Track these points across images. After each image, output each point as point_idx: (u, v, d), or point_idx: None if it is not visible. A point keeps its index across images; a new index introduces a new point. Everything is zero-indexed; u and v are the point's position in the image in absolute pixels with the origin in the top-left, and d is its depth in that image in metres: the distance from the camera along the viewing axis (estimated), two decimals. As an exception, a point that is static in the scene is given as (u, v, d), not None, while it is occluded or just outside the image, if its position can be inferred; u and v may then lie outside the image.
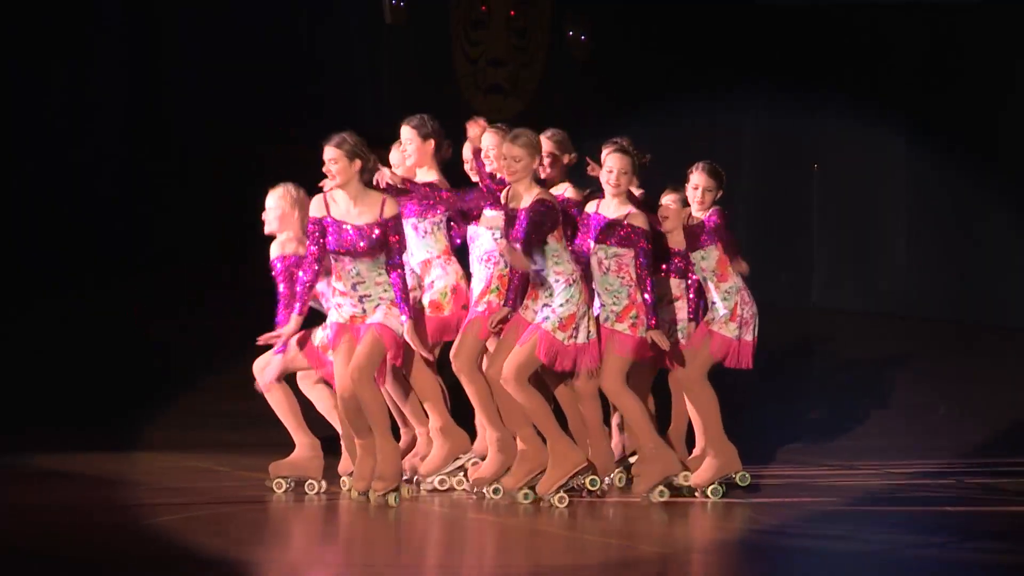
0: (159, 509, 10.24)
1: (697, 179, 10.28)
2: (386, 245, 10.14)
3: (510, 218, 10.04)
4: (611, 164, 9.95)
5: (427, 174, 10.57)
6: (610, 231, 9.98)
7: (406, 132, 10.64)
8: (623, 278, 9.99)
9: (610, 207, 10.01)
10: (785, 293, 18.38)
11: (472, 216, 10.94)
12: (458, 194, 10.84)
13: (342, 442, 10.84)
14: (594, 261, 10.02)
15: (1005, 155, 18.36)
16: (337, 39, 19.68)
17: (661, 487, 10.09)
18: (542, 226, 9.89)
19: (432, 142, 10.58)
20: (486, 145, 10.86)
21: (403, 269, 10.27)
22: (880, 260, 20.32)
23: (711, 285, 10.50)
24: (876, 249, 20.18)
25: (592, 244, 10.09)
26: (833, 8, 19.22)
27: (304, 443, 10.92)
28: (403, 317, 10.33)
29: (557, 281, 10.05)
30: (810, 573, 9.38)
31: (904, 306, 19.61)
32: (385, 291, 10.26)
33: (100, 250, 18.04)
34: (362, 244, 10.11)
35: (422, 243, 10.76)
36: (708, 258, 10.42)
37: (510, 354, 10.14)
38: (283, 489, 10.74)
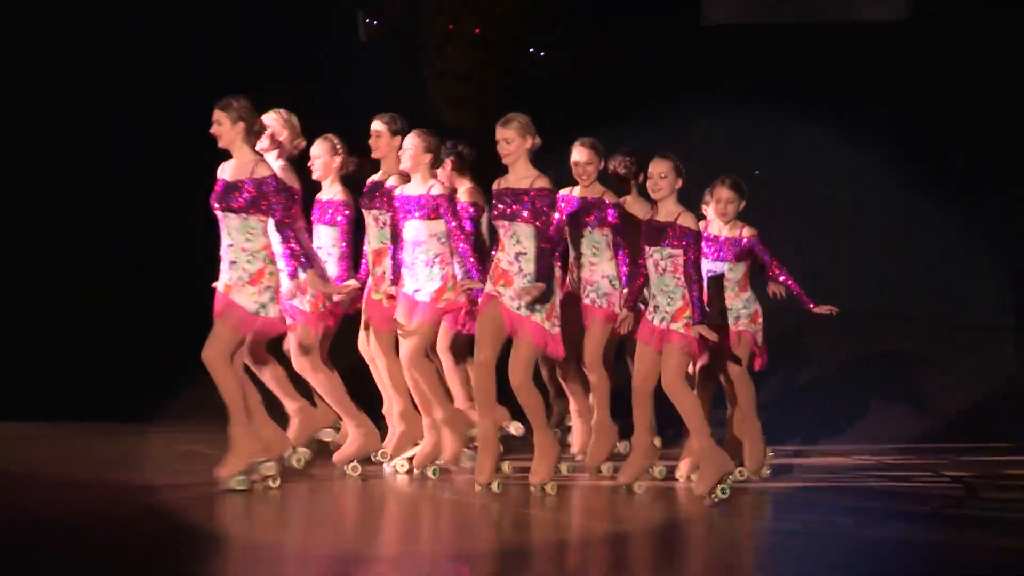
0: (161, 490, 10.08)
1: (720, 193, 10.28)
2: (255, 207, 9.84)
3: (500, 195, 9.88)
4: (655, 173, 9.83)
5: (419, 182, 10.58)
6: (662, 233, 9.76)
7: (377, 125, 10.82)
8: (678, 279, 9.73)
9: (660, 211, 9.85)
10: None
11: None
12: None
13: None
14: (650, 264, 9.83)
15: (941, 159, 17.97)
16: (323, 53, 19.17)
17: (722, 485, 9.86)
18: (554, 209, 9.84)
19: (399, 138, 10.62)
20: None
21: (291, 231, 9.92)
22: (816, 258, 18.83)
23: (731, 294, 10.40)
24: (814, 248, 18.97)
25: (647, 248, 9.88)
26: (772, 27, 18.61)
27: (355, 424, 10.77)
28: (301, 273, 10.12)
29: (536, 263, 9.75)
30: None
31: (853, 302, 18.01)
32: (249, 262, 9.89)
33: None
34: (227, 200, 9.83)
35: (379, 233, 10.69)
36: (735, 271, 10.30)
37: (513, 364, 9.84)
38: (359, 472, 10.70)
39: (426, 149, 10.56)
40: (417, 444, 10.90)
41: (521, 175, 9.80)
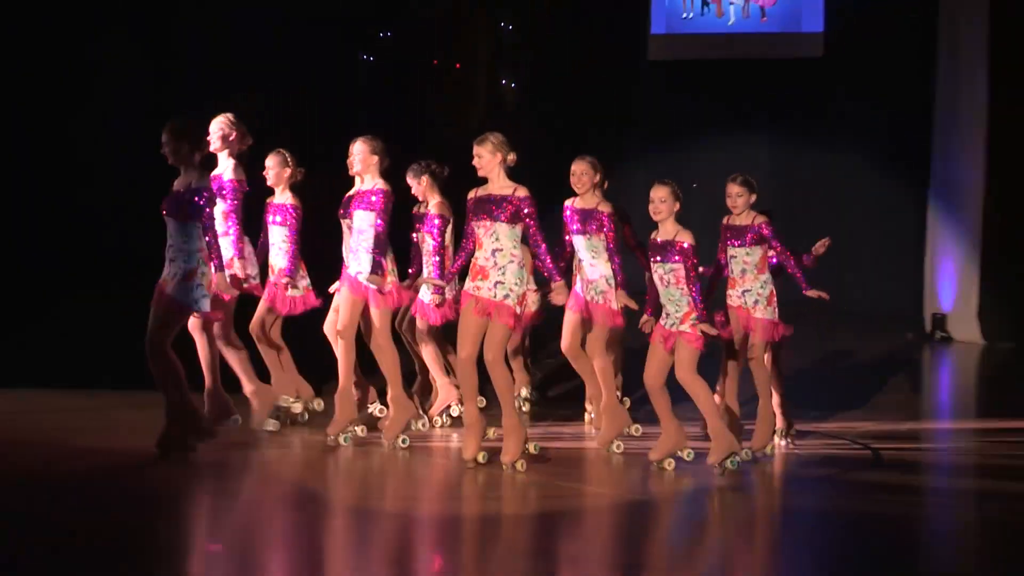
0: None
1: (730, 188, 10.13)
2: (191, 213, 9.78)
3: (481, 201, 9.79)
4: (656, 198, 9.65)
5: (369, 181, 10.54)
6: (664, 251, 9.62)
7: (359, 143, 10.64)
8: (682, 288, 9.53)
9: (661, 231, 9.63)
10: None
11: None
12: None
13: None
14: (656, 278, 9.67)
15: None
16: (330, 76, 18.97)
17: (729, 459, 9.71)
18: (536, 215, 9.73)
19: (376, 158, 10.48)
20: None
21: (213, 231, 9.73)
22: None
23: (750, 276, 10.20)
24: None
25: (652, 264, 9.65)
26: (709, 63, 18.89)
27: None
28: (213, 270, 9.86)
29: (511, 263, 9.69)
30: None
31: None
32: (186, 261, 9.83)
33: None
34: (169, 206, 9.77)
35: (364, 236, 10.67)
36: (752, 255, 10.10)
37: (488, 342, 9.80)
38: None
39: (372, 152, 10.56)
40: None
41: (500, 185, 9.72)
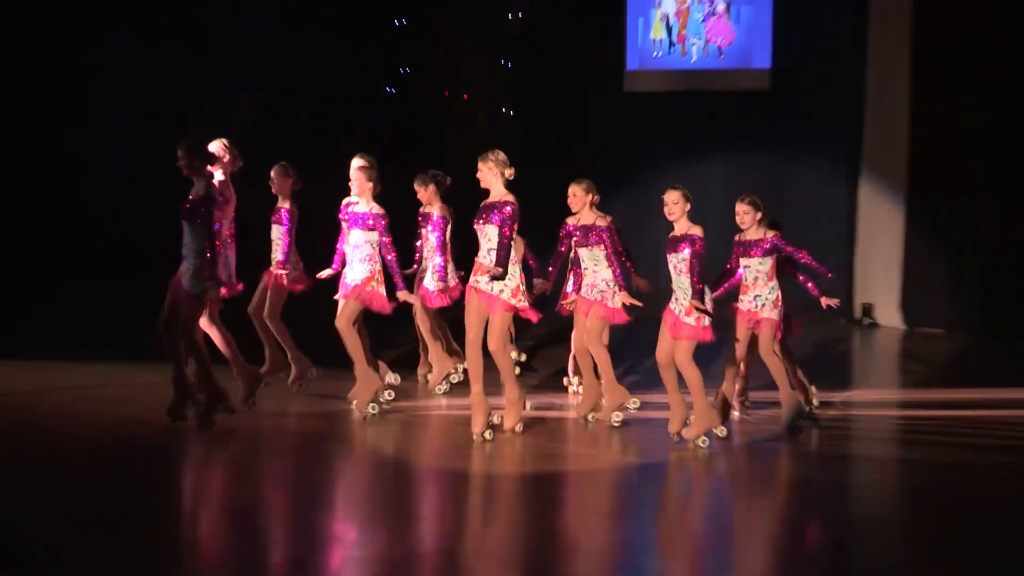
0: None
1: (738, 207, 10.13)
2: (195, 218, 9.77)
3: (480, 210, 9.87)
4: (668, 201, 9.68)
5: (364, 205, 10.54)
6: (677, 244, 9.61)
7: (356, 163, 10.69)
8: (691, 277, 9.56)
9: (676, 228, 9.64)
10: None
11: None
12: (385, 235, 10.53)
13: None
14: (671, 267, 9.66)
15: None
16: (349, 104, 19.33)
17: (704, 436, 9.73)
18: (516, 220, 9.79)
19: (371, 184, 10.53)
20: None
21: (212, 238, 9.75)
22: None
23: (761, 283, 10.15)
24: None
25: (668, 256, 9.66)
26: (678, 94, 19.02)
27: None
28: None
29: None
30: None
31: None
32: (196, 257, 9.81)
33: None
34: (183, 213, 9.82)
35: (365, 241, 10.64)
36: (764, 265, 10.11)
37: (489, 333, 9.78)
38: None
39: (367, 179, 10.55)
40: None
41: (496, 195, 9.79)
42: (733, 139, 18.65)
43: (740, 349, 10.25)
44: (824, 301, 10.35)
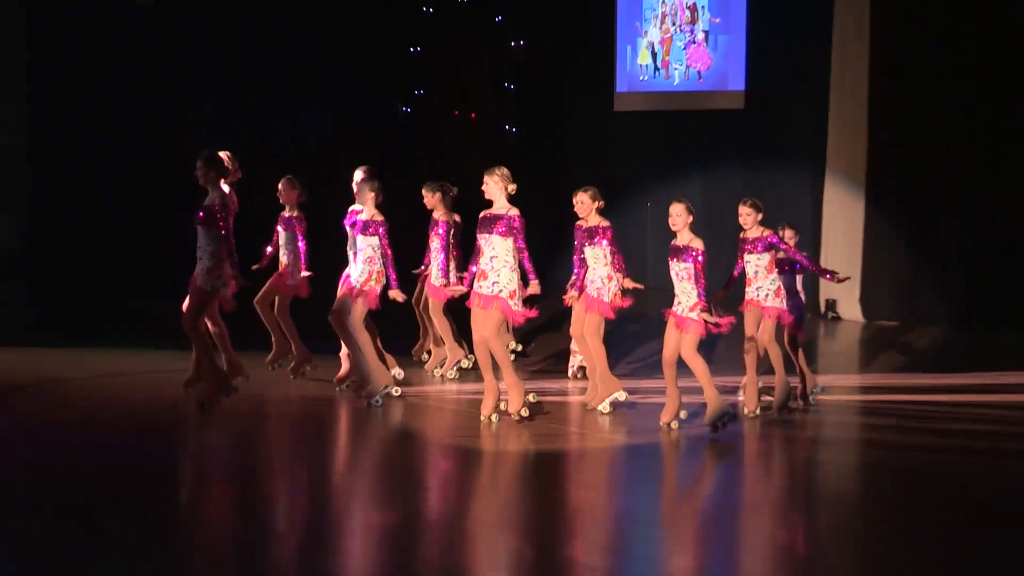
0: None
1: (740, 208, 10.12)
2: (212, 224, 9.70)
3: (483, 219, 9.80)
4: (672, 213, 9.58)
5: (367, 213, 10.46)
6: (680, 253, 9.46)
7: (359, 175, 10.79)
8: (692, 284, 9.40)
9: (678, 238, 9.54)
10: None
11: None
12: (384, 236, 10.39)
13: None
14: (672, 273, 9.54)
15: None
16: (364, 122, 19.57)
17: (716, 420, 9.54)
18: (523, 231, 9.69)
19: (372, 194, 10.46)
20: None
21: (228, 240, 9.69)
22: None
23: (761, 275, 10.08)
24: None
25: (669, 262, 9.55)
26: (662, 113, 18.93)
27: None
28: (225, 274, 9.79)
29: (505, 266, 9.65)
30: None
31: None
32: (211, 259, 9.72)
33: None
34: (200, 218, 9.77)
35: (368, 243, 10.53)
36: (763, 260, 10.07)
37: (486, 320, 9.69)
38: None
39: (370, 190, 10.47)
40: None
41: (500, 207, 9.68)
42: (710, 153, 18.51)
43: (752, 340, 10.16)
44: (833, 279, 10.43)
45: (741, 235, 10.23)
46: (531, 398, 10.13)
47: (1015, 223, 15.54)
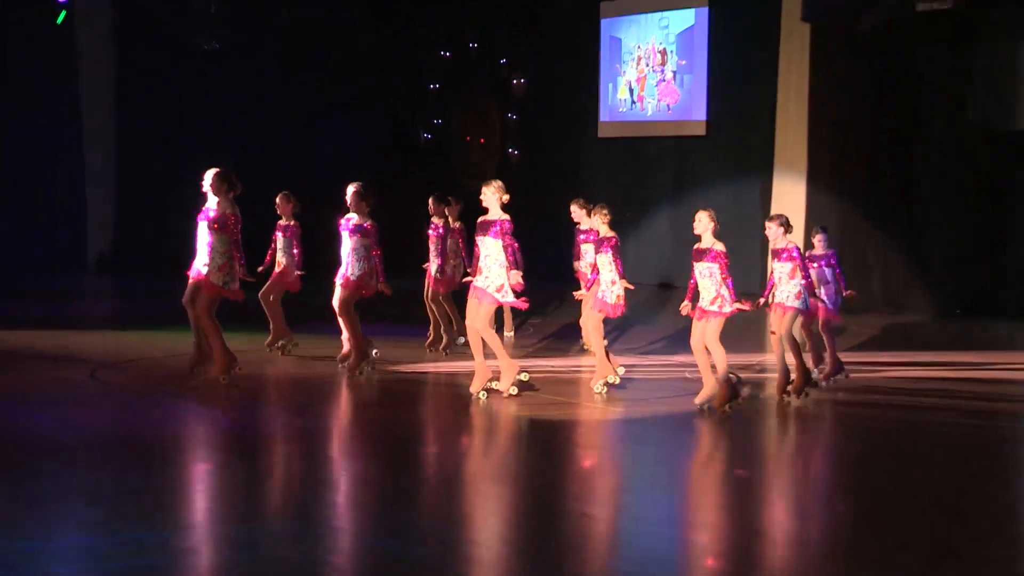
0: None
1: (769, 225, 9.76)
2: (224, 230, 9.60)
3: (479, 225, 9.64)
4: (697, 219, 9.32)
5: (360, 219, 10.33)
6: (703, 255, 9.20)
7: (352, 189, 10.42)
8: (715, 282, 9.10)
9: (702, 241, 9.22)
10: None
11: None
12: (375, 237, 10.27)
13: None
14: (696, 273, 9.25)
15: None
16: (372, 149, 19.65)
17: (728, 405, 9.18)
18: (511, 232, 9.59)
19: (364, 203, 10.31)
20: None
21: (238, 244, 9.63)
22: (649, 243, 18.30)
23: (785, 280, 9.67)
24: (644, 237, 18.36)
25: (693, 264, 9.25)
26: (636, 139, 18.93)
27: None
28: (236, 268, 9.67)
29: (496, 264, 9.49)
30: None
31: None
32: (222, 259, 9.61)
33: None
34: (212, 223, 9.61)
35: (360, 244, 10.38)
36: (786, 267, 9.65)
37: (478, 312, 9.53)
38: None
39: (361, 199, 10.32)
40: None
41: (494, 214, 9.49)
42: (678, 171, 18.54)
43: (775, 337, 9.83)
44: (847, 293, 10.38)
45: (771, 247, 9.93)
46: (523, 377, 9.79)
47: (922, 218, 15.81)
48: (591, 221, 10.46)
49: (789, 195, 16.53)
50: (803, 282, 9.59)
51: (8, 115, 18.85)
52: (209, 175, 9.75)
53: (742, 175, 17.56)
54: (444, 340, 11.77)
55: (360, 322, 10.48)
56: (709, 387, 9.33)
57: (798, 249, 9.75)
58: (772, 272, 9.89)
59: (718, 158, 17.99)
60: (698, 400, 9.36)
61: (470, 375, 9.74)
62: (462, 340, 11.42)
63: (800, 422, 9.28)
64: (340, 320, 10.42)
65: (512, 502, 6.93)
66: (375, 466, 7.69)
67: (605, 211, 10.13)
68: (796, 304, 9.67)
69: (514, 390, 9.57)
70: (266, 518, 6.43)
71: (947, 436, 8.89)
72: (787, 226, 9.75)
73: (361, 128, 19.64)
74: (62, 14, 18.09)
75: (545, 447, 8.38)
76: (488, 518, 6.65)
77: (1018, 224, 15.53)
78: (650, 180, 18.95)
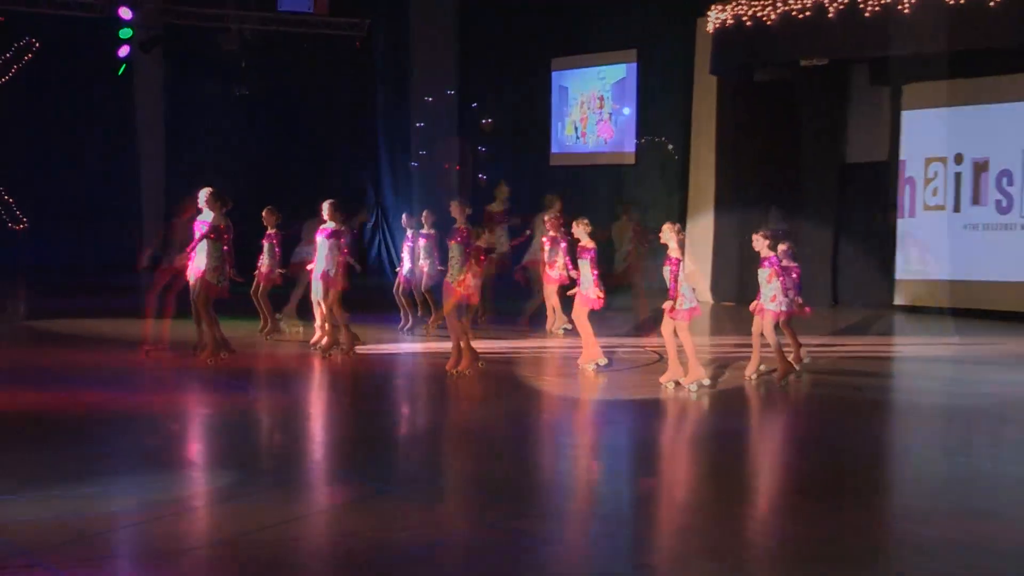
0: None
1: (755, 237, 9.38)
2: (218, 239, 9.43)
3: (450, 233, 9.74)
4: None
5: (334, 225, 10.10)
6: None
7: (328, 203, 10.12)
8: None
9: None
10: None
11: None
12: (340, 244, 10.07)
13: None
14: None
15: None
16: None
17: (695, 384, 8.93)
18: (468, 237, 9.51)
19: (339, 214, 10.07)
20: None
21: (230, 251, 9.46)
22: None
23: (763, 285, 9.26)
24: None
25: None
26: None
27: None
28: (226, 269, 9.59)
29: (457, 264, 9.28)
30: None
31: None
32: (216, 262, 9.45)
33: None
34: (209, 232, 9.47)
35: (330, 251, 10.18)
36: (763, 274, 9.25)
37: (447, 302, 9.40)
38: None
39: (335, 210, 10.04)
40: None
41: (459, 224, 9.69)
42: (613, 193, 17.62)
43: (755, 330, 9.50)
44: (800, 310, 9.74)
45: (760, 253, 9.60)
46: (481, 365, 9.50)
47: (809, 228, 15.45)
48: (577, 231, 10.01)
49: (700, 204, 16.38)
50: (780, 287, 9.26)
51: (78, 144, 19.14)
52: (203, 193, 9.54)
53: (663, 197, 17.45)
54: (411, 322, 11.72)
55: (345, 313, 10.23)
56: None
57: (776, 259, 9.40)
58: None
59: (644, 183, 17.82)
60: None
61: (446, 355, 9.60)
62: (479, 326, 11.07)
63: (762, 402, 9.00)
64: (323, 310, 10.20)
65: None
66: (367, 426, 7.59)
67: (586, 222, 9.84)
68: (771, 307, 9.33)
69: (468, 372, 9.27)
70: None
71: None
72: (772, 240, 9.42)
73: (365, 157, 19.92)
74: (122, 67, 18.56)
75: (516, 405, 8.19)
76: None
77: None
78: (591, 200, 17.73)
